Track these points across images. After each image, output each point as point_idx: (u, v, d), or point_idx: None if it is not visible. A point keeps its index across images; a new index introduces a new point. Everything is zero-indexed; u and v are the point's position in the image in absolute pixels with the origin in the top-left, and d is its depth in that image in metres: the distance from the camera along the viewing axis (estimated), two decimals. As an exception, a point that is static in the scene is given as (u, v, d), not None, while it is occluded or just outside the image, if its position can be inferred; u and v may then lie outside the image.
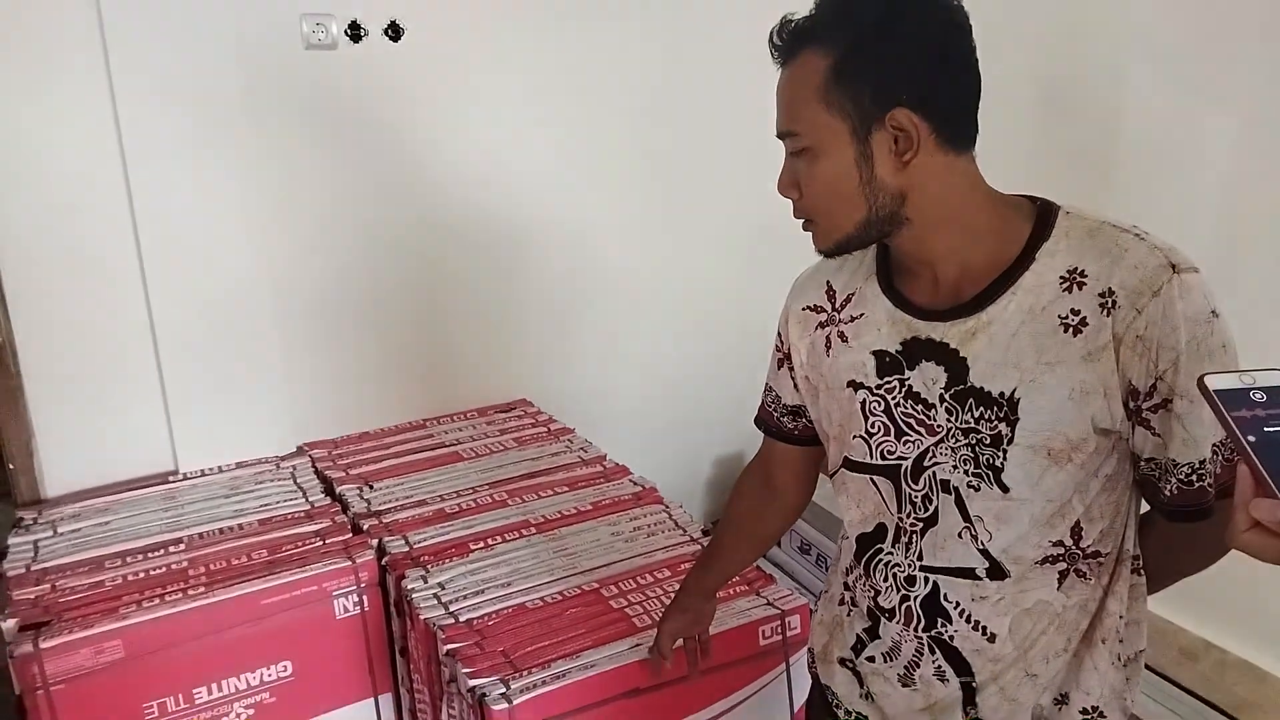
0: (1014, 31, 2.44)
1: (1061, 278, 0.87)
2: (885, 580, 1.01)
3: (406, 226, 2.27)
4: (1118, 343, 0.84)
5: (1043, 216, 0.91)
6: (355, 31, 2.09)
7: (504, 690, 1.40)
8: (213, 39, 1.94)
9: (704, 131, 2.57)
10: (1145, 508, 0.96)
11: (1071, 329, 0.86)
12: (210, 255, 2.03)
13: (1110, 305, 0.84)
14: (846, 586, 1.11)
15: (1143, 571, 0.97)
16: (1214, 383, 0.56)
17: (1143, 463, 0.88)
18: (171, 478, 2.08)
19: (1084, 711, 0.97)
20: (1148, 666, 2.13)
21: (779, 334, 1.13)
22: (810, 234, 0.97)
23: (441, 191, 2.29)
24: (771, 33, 0.94)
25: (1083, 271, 0.87)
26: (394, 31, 2.13)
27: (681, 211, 2.62)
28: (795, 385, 1.12)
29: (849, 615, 1.10)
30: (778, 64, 0.94)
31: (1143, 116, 2.18)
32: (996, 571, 0.94)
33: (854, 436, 1.01)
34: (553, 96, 2.36)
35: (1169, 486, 0.87)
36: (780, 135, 0.94)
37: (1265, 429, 0.53)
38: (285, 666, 1.69)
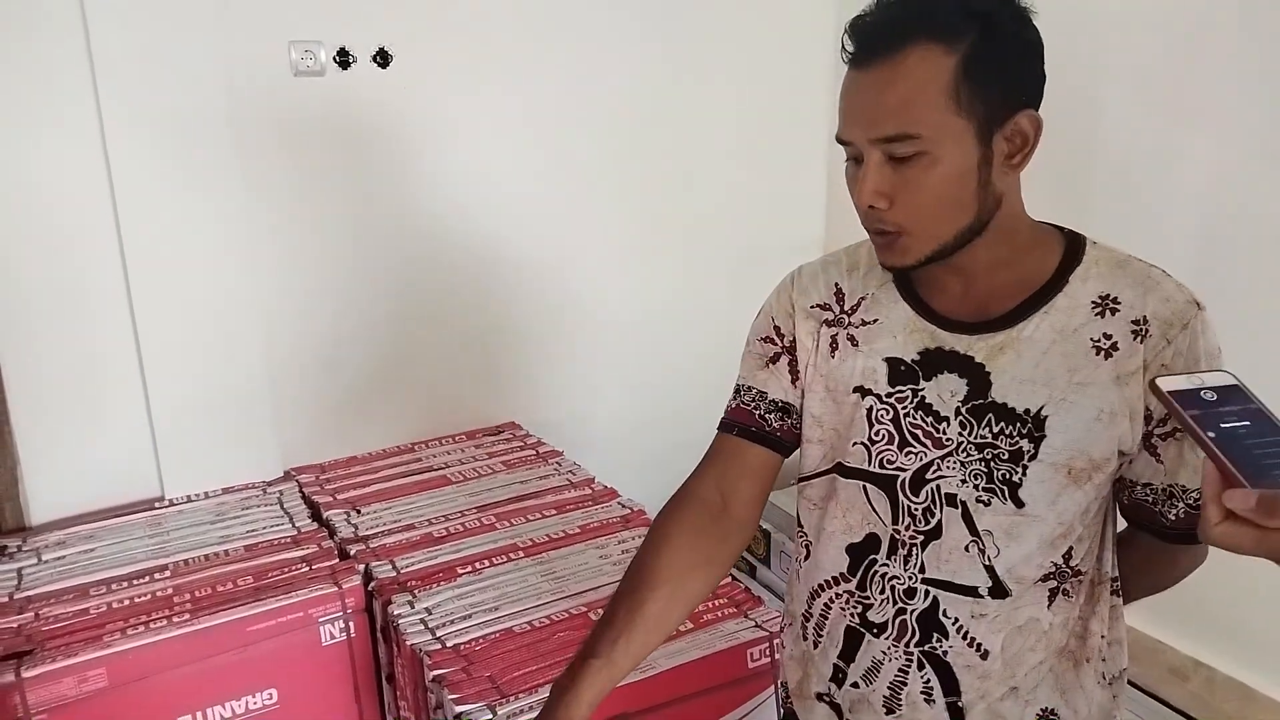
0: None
1: (1094, 302, 0.90)
2: (882, 592, 1.00)
3: (395, 251, 2.28)
4: (1145, 370, 0.87)
5: (1073, 244, 0.95)
6: (344, 58, 2.11)
7: (491, 716, 1.39)
8: (201, 66, 1.95)
9: (689, 159, 2.59)
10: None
11: (1103, 352, 0.89)
12: (197, 281, 2.03)
13: (1144, 333, 0.88)
14: (806, 616, 1.08)
15: (1120, 592, 0.99)
16: (1166, 384, 0.59)
17: (1138, 488, 0.91)
18: (158, 504, 2.07)
19: None
20: (1137, 685, 2.13)
21: (775, 328, 1.08)
22: (886, 245, 0.91)
23: (429, 217, 2.30)
24: (858, 24, 0.86)
25: (1115, 298, 0.90)
26: (382, 58, 2.14)
27: (667, 236, 2.63)
28: (794, 380, 1.06)
29: (816, 649, 1.08)
30: (858, 62, 0.86)
31: (1119, 140, 2.20)
32: (999, 591, 0.94)
33: (853, 443, 0.99)
34: (540, 124, 2.38)
35: (1175, 511, 0.90)
36: (886, 140, 0.85)
37: (1221, 424, 0.56)
38: (271, 694, 1.67)
